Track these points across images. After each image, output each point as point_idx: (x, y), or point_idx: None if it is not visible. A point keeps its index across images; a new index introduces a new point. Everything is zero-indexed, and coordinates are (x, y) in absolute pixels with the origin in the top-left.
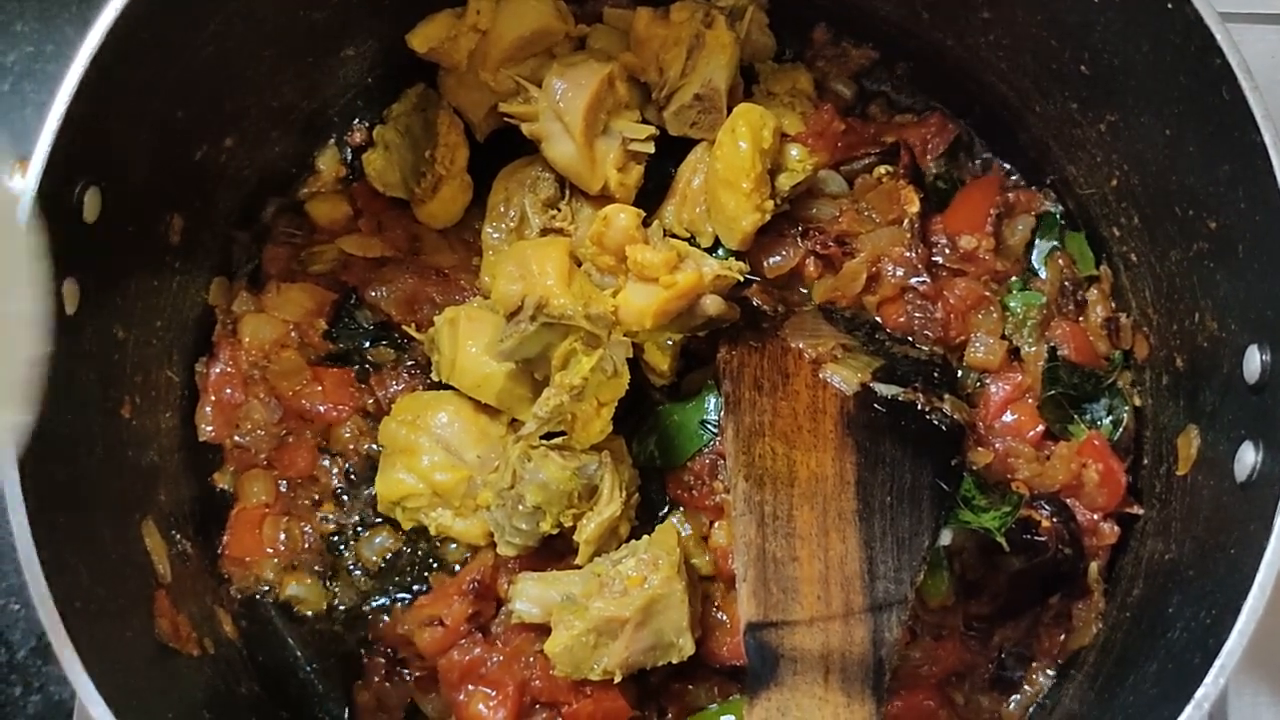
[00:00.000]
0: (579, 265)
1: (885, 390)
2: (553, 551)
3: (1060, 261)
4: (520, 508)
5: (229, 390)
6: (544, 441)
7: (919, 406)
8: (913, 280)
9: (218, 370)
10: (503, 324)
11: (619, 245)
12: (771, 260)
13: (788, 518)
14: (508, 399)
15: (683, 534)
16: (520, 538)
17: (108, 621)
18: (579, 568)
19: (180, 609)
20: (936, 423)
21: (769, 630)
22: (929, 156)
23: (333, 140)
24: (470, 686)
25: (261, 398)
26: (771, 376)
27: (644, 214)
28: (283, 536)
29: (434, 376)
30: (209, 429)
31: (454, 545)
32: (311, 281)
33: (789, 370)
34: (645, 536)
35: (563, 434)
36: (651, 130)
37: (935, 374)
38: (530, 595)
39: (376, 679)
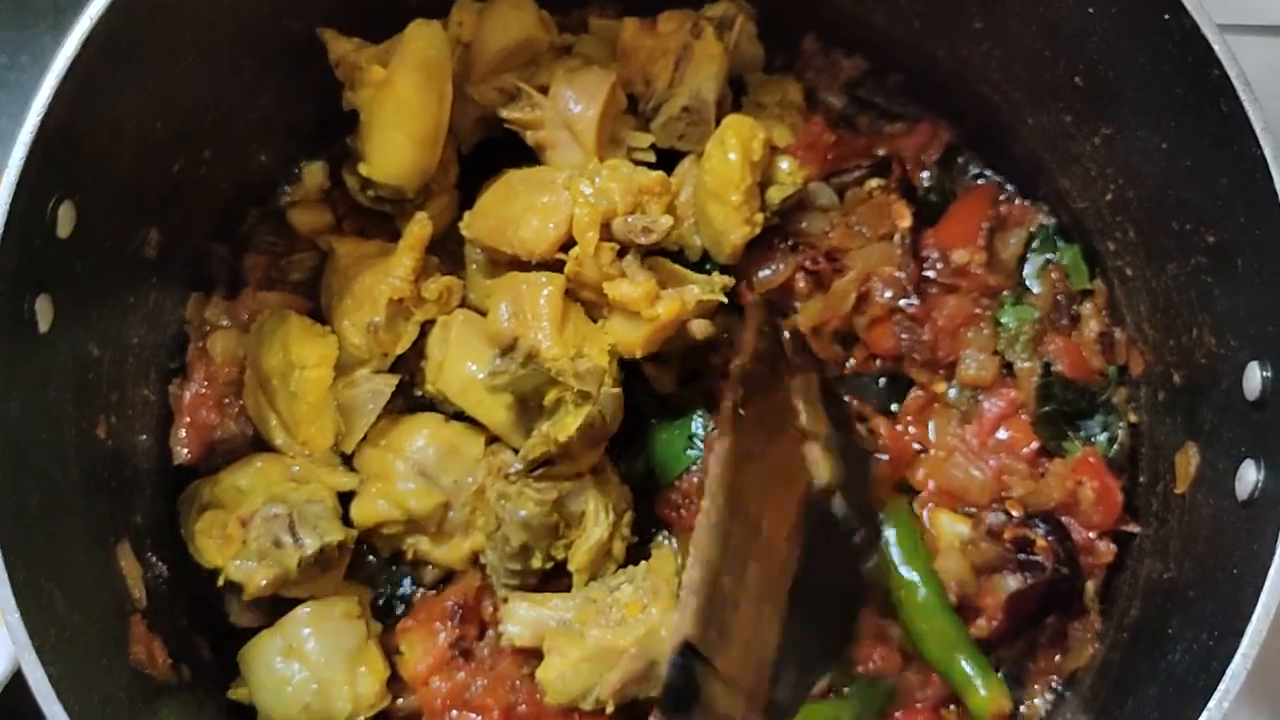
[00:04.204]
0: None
1: (839, 509)
2: (544, 573)
3: (1053, 275)
4: (507, 549)
5: (204, 412)
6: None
7: (856, 541)
8: (901, 302)
9: (191, 392)
10: (493, 356)
11: (596, 282)
12: (761, 274)
13: (742, 564)
14: (489, 414)
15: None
16: (516, 579)
17: (81, 647)
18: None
19: (156, 634)
20: (860, 569)
21: (698, 661)
22: (922, 166)
23: (321, 156)
24: (455, 712)
25: (235, 415)
26: (774, 415)
27: (618, 247)
28: None
29: (418, 388)
30: (184, 452)
31: (432, 567)
32: (289, 290)
33: (785, 422)
34: (643, 563)
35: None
36: (651, 138)
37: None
38: (521, 618)
39: None
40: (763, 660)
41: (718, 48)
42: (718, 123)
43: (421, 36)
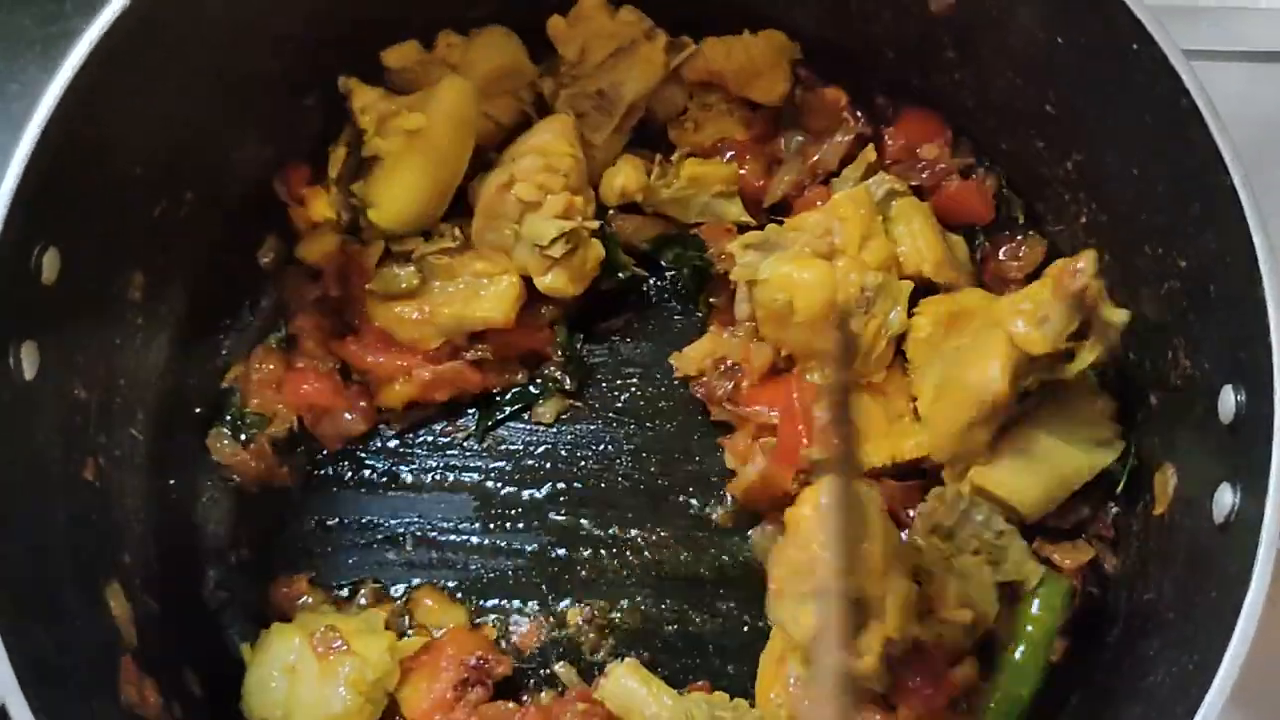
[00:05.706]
0: None
1: None
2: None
3: None
4: None
5: None
6: None
7: None
8: None
9: None
10: None
11: None
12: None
13: None
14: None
15: None
16: None
17: (71, 689)
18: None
19: (147, 673)
20: None
21: None
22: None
23: None
24: None
25: None
26: None
27: None
28: None
29: None
30: None
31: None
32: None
33: None
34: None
35: None
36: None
37: None
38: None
39: None
40: None
41: (661, 59)
42: (621, 125)
43: (456, 89)
